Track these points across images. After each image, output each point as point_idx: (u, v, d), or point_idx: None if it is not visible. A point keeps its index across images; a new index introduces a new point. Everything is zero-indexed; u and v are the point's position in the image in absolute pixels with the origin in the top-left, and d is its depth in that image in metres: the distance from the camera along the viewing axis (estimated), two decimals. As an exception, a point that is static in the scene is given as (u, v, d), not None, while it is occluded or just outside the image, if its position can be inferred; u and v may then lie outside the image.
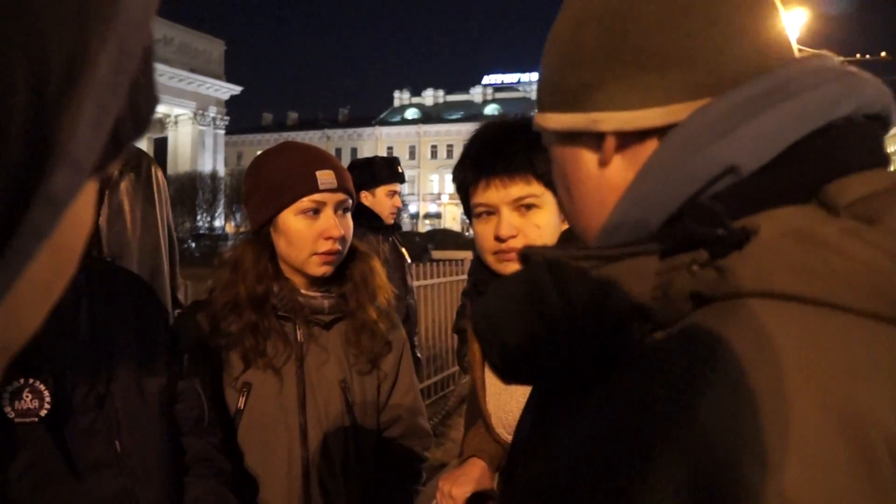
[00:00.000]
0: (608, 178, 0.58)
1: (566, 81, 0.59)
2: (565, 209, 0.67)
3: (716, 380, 0.39)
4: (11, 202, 0.18)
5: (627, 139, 0.56)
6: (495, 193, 1.27)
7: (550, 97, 0.62)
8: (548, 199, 1.28)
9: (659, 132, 0.54)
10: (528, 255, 0.54)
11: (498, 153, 1.27)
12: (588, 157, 0.59)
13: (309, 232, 1.47)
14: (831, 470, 0.35)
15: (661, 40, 0.53)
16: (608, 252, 0.50)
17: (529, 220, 1.28)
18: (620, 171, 0.57)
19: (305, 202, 1.46)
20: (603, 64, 0.56)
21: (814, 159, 0.48)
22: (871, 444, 0.36)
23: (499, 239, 1.29)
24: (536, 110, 0.66)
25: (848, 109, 0.49)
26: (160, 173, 2.11)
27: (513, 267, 1.25)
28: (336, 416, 1.52)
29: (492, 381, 1.44)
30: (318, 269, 1.50)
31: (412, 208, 66.01)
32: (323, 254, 1.48)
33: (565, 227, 1.30)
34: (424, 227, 61.63)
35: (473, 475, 1.40)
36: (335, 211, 1.49)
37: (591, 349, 0.50)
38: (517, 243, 1.27)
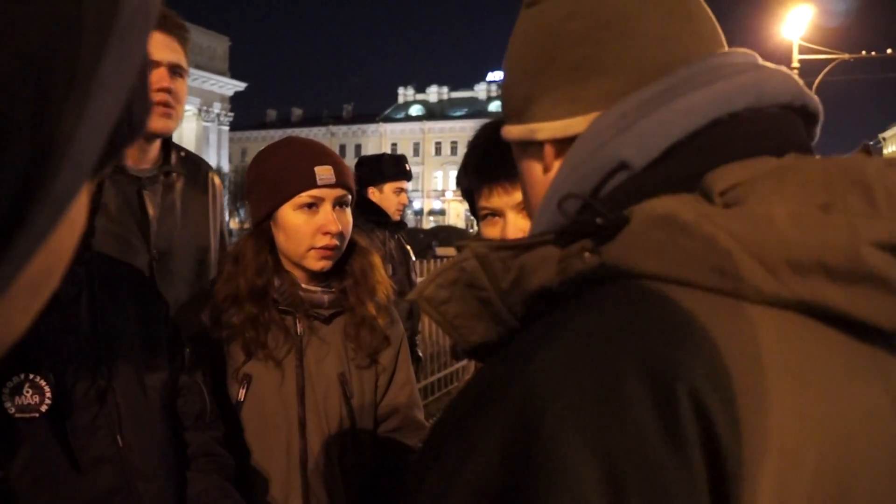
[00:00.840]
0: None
1: (513, 96, 0.66)
2: (528, 212, 0.72)
3: (554, 345, 0.44)
4: (15, 203, 0.18)
5: (563, 146, 0.60)
6: (499, 199, 1.29)
7: (506, 110, 0.68)
8: None
9: None
10: (460, 246, 0.59)
11: (499, 159, 1.27)
12: (535, 165, 0.65)
13: (307, 227, 1.49)
14: (632, 413, 0.39)
15: (582, 53, 0.59)
16: (519, 242, 0.55)
17: None
18: None
19: (303, 197, 1.48)
20: (538, 78, 0.62)
21: (698, 151, 0.52)
22: (674, 395, 0.39)
23: None
24: None
25: (745, 102, 0.52)
26: (217, 179, 2.12)
27: None
28: (334, 408, 1.53)
29: None
30: (317, 263, 1.51)
31: (416, 205, 66.07)
32: (321, 248, 1.50)
33: None
34: (428, 223, 61.73)
35: None
36: (333, 206, 1.51)
37: (523, 324, 0.55)
38: None
